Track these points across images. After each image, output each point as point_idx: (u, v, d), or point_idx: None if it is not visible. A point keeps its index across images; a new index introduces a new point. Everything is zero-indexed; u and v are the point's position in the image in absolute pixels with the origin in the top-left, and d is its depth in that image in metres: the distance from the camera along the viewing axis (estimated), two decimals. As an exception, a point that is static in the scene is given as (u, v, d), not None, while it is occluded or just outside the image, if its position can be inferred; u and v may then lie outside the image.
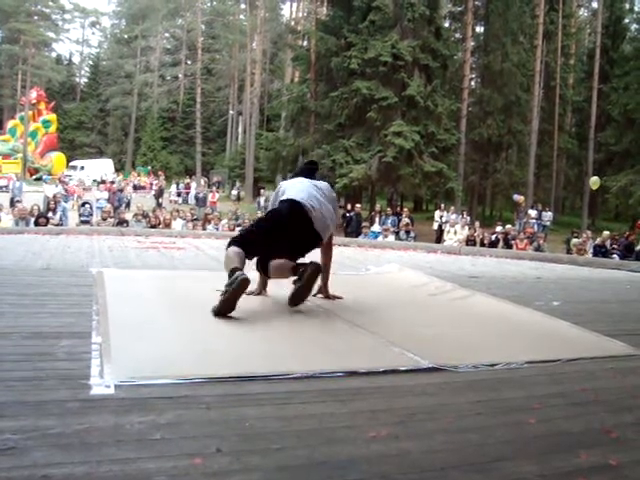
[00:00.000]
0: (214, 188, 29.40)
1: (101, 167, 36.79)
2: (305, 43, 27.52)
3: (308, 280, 3.34)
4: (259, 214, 16.16)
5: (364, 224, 15.78)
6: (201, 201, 23.10)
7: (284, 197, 3.56)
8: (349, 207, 18.24)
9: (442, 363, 2.49)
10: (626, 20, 32.39)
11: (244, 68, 41.52)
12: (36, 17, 43.98)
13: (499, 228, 16.95)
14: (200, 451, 1.55)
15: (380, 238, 14.31)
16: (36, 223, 12.06)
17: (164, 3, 45.70)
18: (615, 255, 13.40)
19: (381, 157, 21.03)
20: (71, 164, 38.62)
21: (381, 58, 21.11)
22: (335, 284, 3.83)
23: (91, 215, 15.22)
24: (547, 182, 29.64)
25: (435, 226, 19.14)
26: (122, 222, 12.65)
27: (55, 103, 43.31)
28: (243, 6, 45.36)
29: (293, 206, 3.48)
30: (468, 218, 19.23)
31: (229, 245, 3.35)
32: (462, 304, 3.99)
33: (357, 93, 21.55)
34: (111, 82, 50.64)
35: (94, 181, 30.83)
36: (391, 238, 14.42)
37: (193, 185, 30.01)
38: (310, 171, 3.90)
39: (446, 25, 28.56)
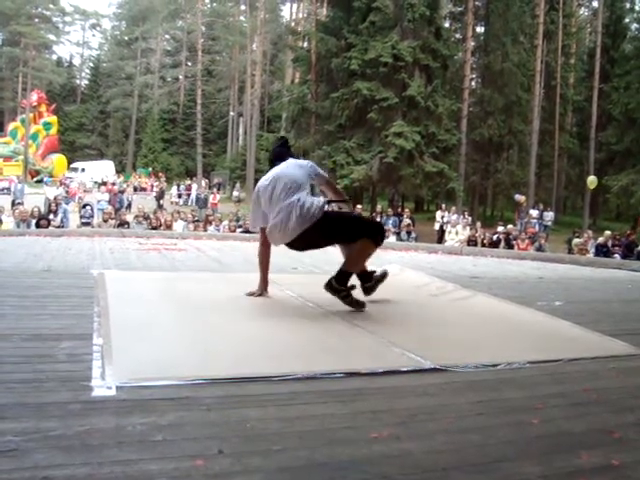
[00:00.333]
0: (215, 189, 29.41)
1: (102, 169, 36.81)
2: (305, 44, 27.55)
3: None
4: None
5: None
6: (202, 202, 23.11)
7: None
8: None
9: (443, 363, 2.48)
10: (626, 19, 32.36)
11: (244, 69, 41.57)
12: (37, 20, 44.06)
13: (500, 228, 16.94)
14: (202, 452, 1.55)
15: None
16: (37, 225, 12.07)
17: (164, 5, 45.76)
18: (616, 255, 13.39)
19: (382, 158, 21.04)
20: (72, 166, 38.64)
21: (381, 59, 21.13)
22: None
23: (92, 217, 15.24)
24: (548, 182, 29.65)
25: (436, 226, 19.12)
26: (123, 224, 12.66)
27: (56, 105, 43.36)
28: (243, 7, 45.40)
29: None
30: (469, 218, 19.22)
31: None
32: (463, 304, 3.98)
33: (358, 94, 21.57)
34: (112, 84, 50.70)
35: (95, 183, 30.86)
36: (392, 239, 14.41)
37: (194, 187, 30.02)
38: (280, 154, 3.90)
39: (446, 25, 28.59)
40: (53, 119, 41.10)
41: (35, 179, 34.71)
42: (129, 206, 20.45)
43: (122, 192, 22.45)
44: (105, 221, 12.92)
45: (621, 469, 1.62)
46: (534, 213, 21.59)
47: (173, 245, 7.69)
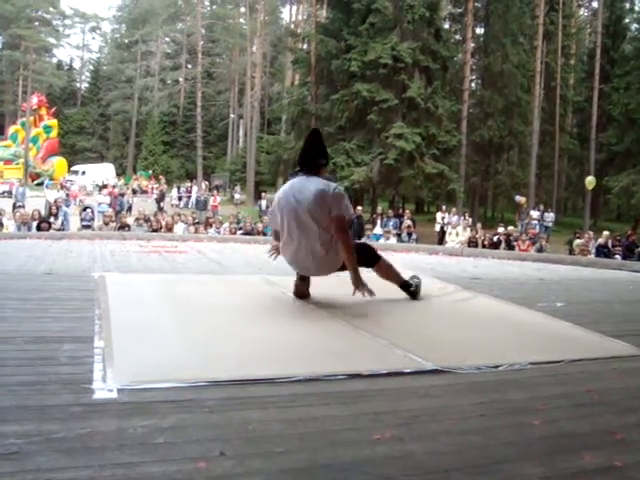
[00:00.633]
0: (215, 192, 29.44)
1: (102, 172, 36.86)
2: (305, 46, 27.60)
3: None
4: (260, 218, 16.26)
5: (366, 227, 15.77)
6: (201, 205, 23.10)
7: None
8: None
9: (445, 365, 2.48)
10: (626, 20, 32.43)
11: (244, 71, 41.65)
12: (37, 23, 44.20)
13: (501, 229, 16.92)
14: (204, 455, 1.55)
15: (382, 240, 14.31)
16: (38, 228, 12.07)
17: (164, 7, 45.86)
18: (617, 256, 13.39)
19: (382, 159, 21.05)
20: (72, 169, 38.68)
21: (381, 60, 21.15)
22: (337, 286, 3.82)
23: (93, 220, 15.23)
24: (549, 183, 29.67)
25: (437, 228, 19.12)
26: (124, 226, 12.65)
27: (56, 108, 43.44)
28: (243, 10, 45.50)
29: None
30: (470, 220, 19.23)
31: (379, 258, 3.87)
32: (464, 306, 3.98)
33: (357, 95, 21.58)
34: (112, 87, 50.78)
35: (96, 186, 30.89)
36: (393, 240, 14.41)
37: (194, 189, 30.06)
38: (307, 161, 3.66)
39: (446, 27, 28.65)
40: (53, 122, 41.15)
41: (36, 182, 34.72)
42: (130, 209, 20.44)
43: (122, 195, 22.45)
44: (106, 224, 12.92)
45: (624, 470, 1.61)
46: (535, 214, 21.60)
47: (174, 247, 7.68)
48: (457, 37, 30.42)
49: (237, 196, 31.19)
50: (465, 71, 25.93)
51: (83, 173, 36.91)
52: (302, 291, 3.80)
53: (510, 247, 14.10)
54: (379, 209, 19.89)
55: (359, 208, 18.40)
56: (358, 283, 3.48)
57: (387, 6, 21.93)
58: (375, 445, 1.68)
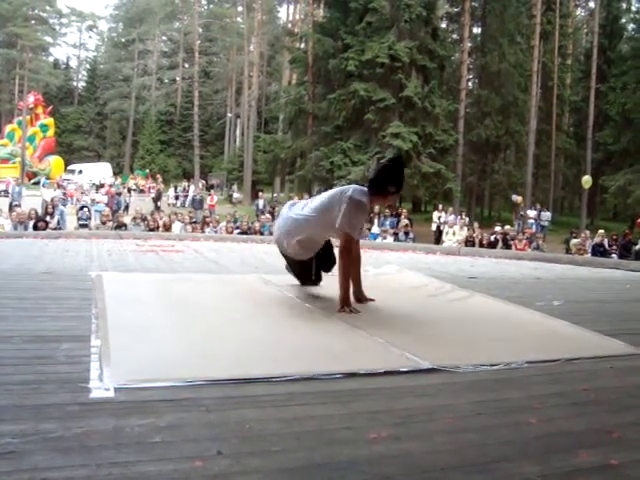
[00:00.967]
0: (212, 191, 29.42)
1: (99, 171, 36.84)
2: (302, 45, 27.56)
3: None
4: (257, 217, 16.21)
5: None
6: (197, 204, 23.07)
7: None
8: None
9: (442, 364, 2.48)
10: (623, 20, 32.49)
11: (241, 71, 41.66)
12: (33, 21, 44.11)
13: (498, 229, 16.94)
14: (200, 454, 1.55)
15: (379, 239, 14.33)
16: (35, 227, 12.05)
17: (161, 6, 45.80)
18: (614, 255, 13.43)
19: (379, 158, 21.04)
20: (69, 168, 38.65)
21: (378, 59, 21.15)
22: (334, 286, 3.82)
23: (89, 219, 15.20)
24: (545, 182, 29.70)
25: (434, 227, 19.12)
26: (121, 225, 12.64)
27: (53, 107, 43.40)
28: (240, 9, 45.48)
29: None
30: (467, 219, 19.25)
31: None
32: (461, 305, 3.98)
33: (355, 95, 21.58)
34: (109, 86, 50.72)
35: (92, 185, 30.85)
36: (390, 239, 14.44)
37: (191, 188, 30.05)
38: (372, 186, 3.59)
39: (443, 26, 28.67)
40: (50, 121, 41.11)
41: (32, 181, 34.69)
42: (126, 208, 20.41)
43: (119, 194, 22.41)
44: (103, 223, 12.89)
45: (620, 468, 1.62)
46: (531, 213, 21.64)
47: (171, 247, 7.67)
48: (454, 36, 30.44)
49: (236, 195, 31.18)
50: (462, 70, 25.93)
51: (80, 172, 36.87)
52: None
53: (507, 246, 14.12)
54: (376, 208, 19.87)
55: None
56: (344, 304, 3.47)
57: (384, 5, 21.92)
58: (372, 444, 1.68)
